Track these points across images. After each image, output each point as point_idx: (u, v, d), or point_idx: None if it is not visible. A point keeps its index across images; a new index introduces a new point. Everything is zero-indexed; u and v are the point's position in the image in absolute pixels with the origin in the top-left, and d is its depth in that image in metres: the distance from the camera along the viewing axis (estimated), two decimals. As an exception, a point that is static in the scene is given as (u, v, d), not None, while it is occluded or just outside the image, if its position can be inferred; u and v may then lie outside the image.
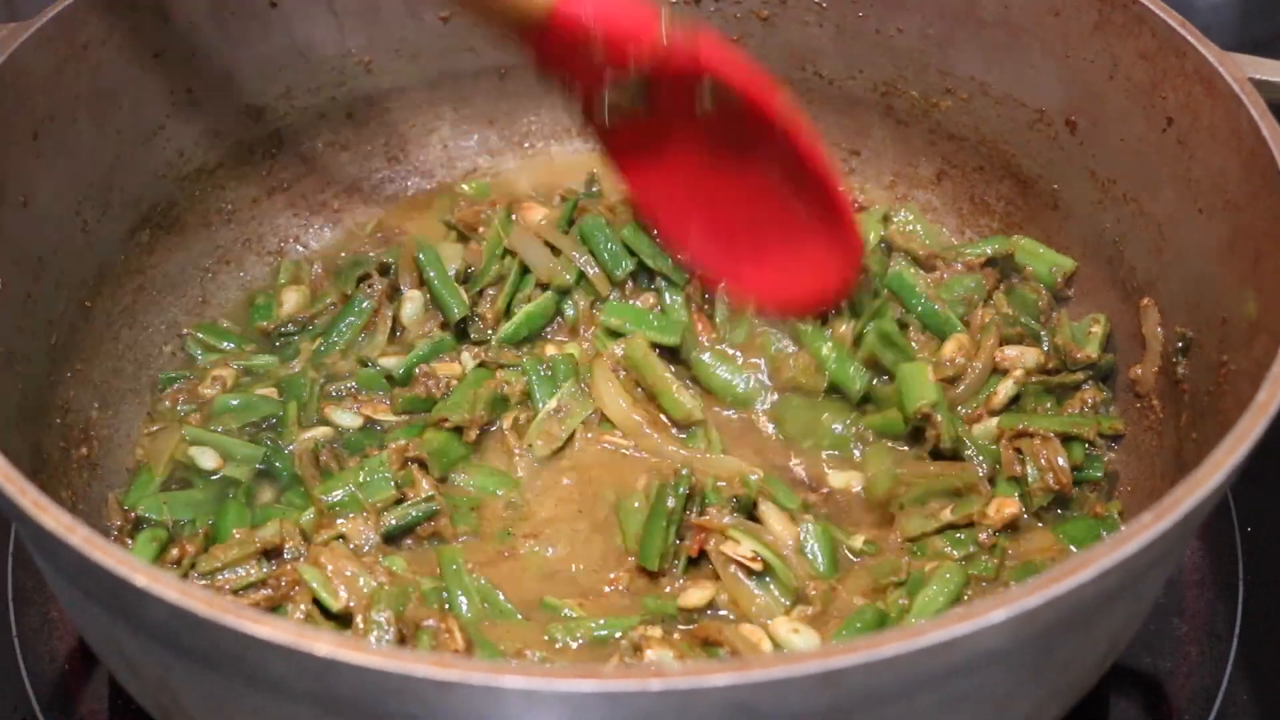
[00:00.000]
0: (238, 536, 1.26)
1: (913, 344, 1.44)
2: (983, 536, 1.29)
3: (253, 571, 1.23)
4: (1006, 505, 1.30)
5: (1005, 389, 1.41)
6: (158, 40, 1.43)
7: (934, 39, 1.54)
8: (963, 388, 1.41)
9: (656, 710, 0.80)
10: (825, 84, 1.64)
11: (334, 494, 1.31)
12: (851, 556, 1.30)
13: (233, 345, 1.51)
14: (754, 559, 1.25)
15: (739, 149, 1.40)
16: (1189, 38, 1.29)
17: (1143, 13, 1.34)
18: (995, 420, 1.38)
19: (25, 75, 1.28)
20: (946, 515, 1.31)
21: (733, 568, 1.26)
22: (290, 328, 1.53)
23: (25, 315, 1.29)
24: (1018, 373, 1.42)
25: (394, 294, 1.52)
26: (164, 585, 0.83)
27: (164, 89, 1.46)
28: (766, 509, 1.30)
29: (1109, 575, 0.86)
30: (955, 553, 1.28)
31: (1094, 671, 1.09)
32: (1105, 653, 1.08)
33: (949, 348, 1.44)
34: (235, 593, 1.22)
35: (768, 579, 1.25)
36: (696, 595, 1.24)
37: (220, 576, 1.23)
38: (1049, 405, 1.41)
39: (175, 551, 1.26)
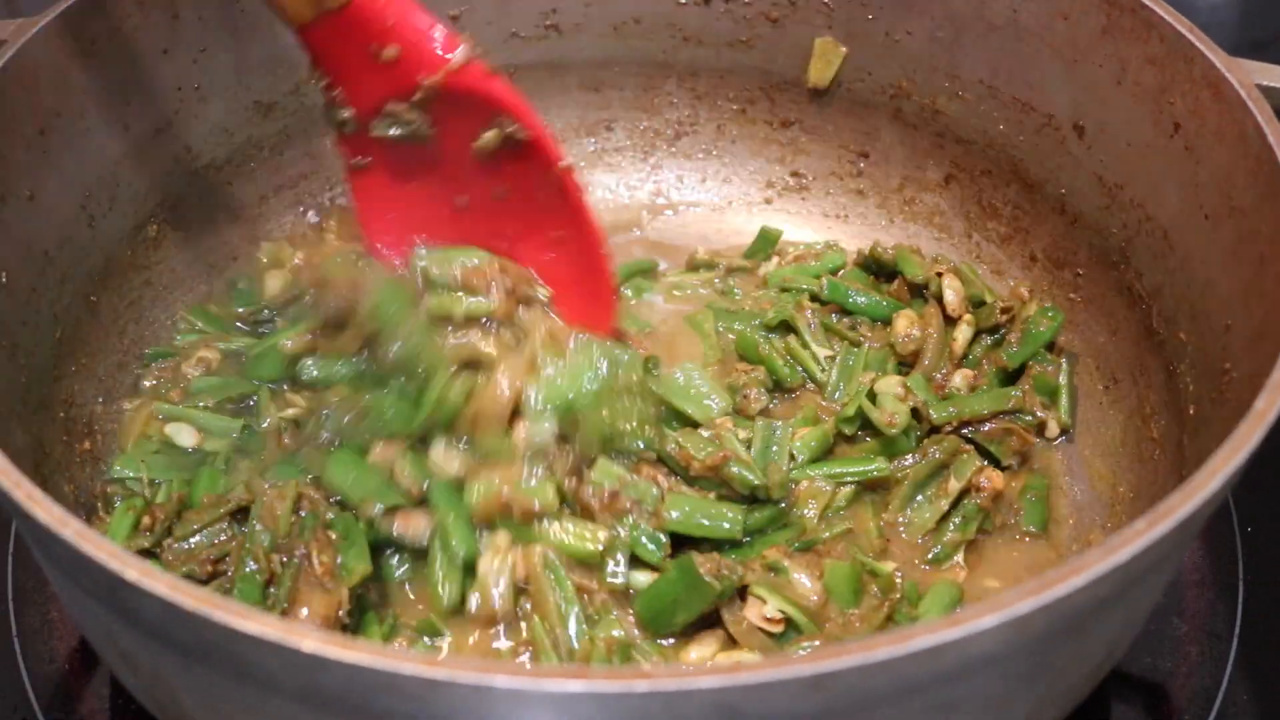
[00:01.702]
0: (207, 501, 1.27)
1: (864, 338, 1.47)
2: (979, 501, 1.32)
3: (224, 535, 1.25)
4: (990, 475, 1.33)
5: (963, 334, 1.46)
6: (166, 36, 1.43)
7: (942, 42, 1.53)
8: (929, 359, 1.43)
9: (643, 711, 0.80)
10: (834, 86, 1.64)
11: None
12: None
13: (218, 329, 1.51)
14: (778, 621, 1.20)
15: (508, 189, 1.36)
16: (1197, 43, 1.28)
17: (1151, 18, 1.33)
18: (959, 374, 1.42)
19: (33, 70, 1.29)
20: (953, 487, 1.33)
21: (747, 621, 1.21)
22: (266, 314, 1.53)
23: (30, 309, 1.30)
24: (968, 316, 1.46)
25: None
26: (153, 579, 0.83)
27: (172, 85, 1.46)
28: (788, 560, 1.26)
29: (1102, 582, 0.85)
30: (965, 533, 1.31)
31: (1091, 677, 1.08)
32: (1103, 659, 1.07)
33: (900, 325, 1.46)
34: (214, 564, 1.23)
35: (791, 634, 1.21)
36: (699, 652, 1.20)
37: (190, 542, 1.24)
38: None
39: (147, 519, 1.26)
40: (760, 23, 1.63)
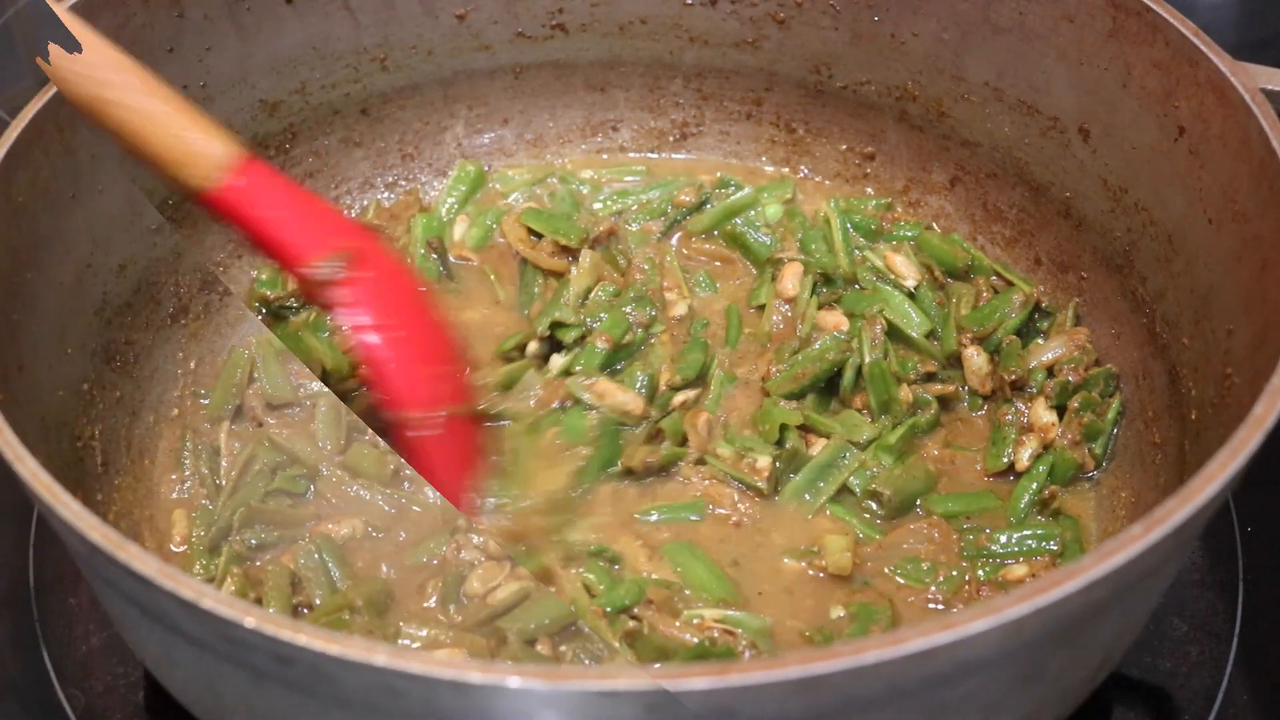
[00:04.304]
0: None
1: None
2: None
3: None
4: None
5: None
6: (172, 35, 1.44)
7: (949, 44, 1.53)
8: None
9: (638, 711, 0.80)
10: (840, 88, 1.64)
11: None
12: None
13: None
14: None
15: None
16: (1202, 47, 1.28)
17: (1156, 21, 1.33)
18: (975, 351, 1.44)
19: (36, 69, 1.29)
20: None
21: None
22: (291, 303, 1.55)
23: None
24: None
25: None
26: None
27: (178, 84, 1.44)
28: None
29: (1097, 587, 0.85)
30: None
31: (1087, 682, 1.08)
32: (1099, 665, 1.07)
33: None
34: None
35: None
36: None
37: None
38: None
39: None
40: (767, 24, 1.63)
